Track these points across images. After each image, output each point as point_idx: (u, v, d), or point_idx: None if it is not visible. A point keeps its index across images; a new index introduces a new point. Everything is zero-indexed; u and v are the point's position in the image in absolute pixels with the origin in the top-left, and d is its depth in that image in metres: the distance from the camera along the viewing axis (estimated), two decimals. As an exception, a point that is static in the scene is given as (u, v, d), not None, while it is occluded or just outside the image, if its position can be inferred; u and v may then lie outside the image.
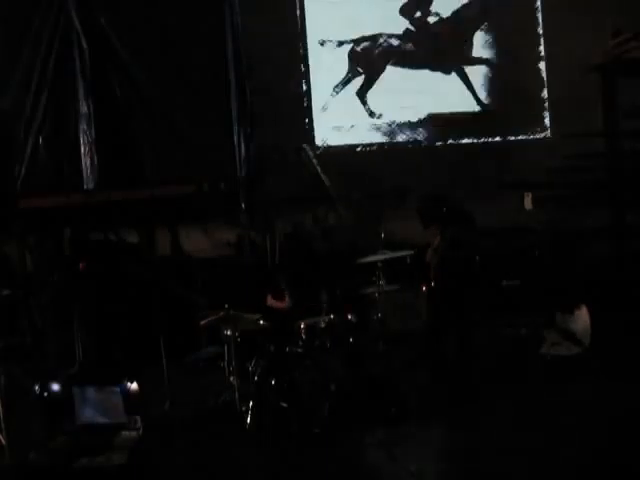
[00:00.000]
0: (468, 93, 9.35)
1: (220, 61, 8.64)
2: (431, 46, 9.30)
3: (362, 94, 9.25)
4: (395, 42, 9.25)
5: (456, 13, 9.32)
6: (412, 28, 9.27)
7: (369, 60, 9.24)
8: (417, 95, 9.27)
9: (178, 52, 8.42)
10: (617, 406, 5.65)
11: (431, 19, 9.30)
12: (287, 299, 6.55)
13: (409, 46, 9.26)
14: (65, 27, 8.44)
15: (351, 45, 9.23)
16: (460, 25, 9.32)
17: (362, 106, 9.25)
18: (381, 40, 9.24)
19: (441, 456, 5.36)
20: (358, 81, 9.29)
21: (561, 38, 9.01)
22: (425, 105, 9.30)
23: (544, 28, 9.28)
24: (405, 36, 9.25)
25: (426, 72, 9.31)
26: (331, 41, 9.19)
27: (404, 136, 9.31)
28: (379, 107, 9.27)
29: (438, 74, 9.33)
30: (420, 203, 7.17)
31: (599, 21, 8.72)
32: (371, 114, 9.24)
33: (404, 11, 9.27)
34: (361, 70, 9.26)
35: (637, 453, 4.83)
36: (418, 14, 9.28)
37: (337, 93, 9.22)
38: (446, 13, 9.34)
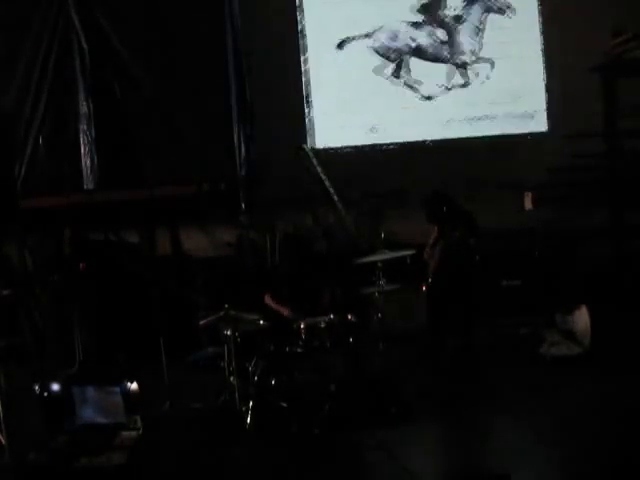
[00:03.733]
0: (470, 93, 9.34)
1: (220, 61, 8.65)
2: (445, 41, 9.28)
3: (398, 74, 9.25)
4: (413, 30, 9.24)
5: (461, 14, 9.29)
6: (425, 23, 9.25)
7: (394, 48, 9.23)
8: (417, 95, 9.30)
9: (178, 52, 8.43)
10: (617, 406, 5.65)
11: (447, 12, 9.28)
12: (288, 310, 6.53)
13: (424, 38, 9.25)
14: (65, 27, 8.46)
15: (368, 39, 9.20)
16: (465, 25, 9.30)
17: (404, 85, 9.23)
18: (402, 28, 9.23)
19: (441, 456, 5.36)
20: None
21: (561, 38, 9.00)
22: (426, 104, 9.31)
23: (544, 28, 9.27)
24: (420, 27, 9.23)
25: (430, 69, 9.31)
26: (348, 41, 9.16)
27: (405, 136, 9.31)
28: (380, 106, 9.28)
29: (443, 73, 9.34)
30: (425, 199, 7.18)
31: (599, 21, 8.72)
32: (416, 82, 9.22)
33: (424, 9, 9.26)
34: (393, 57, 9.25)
35: (637, 453, 4.83)
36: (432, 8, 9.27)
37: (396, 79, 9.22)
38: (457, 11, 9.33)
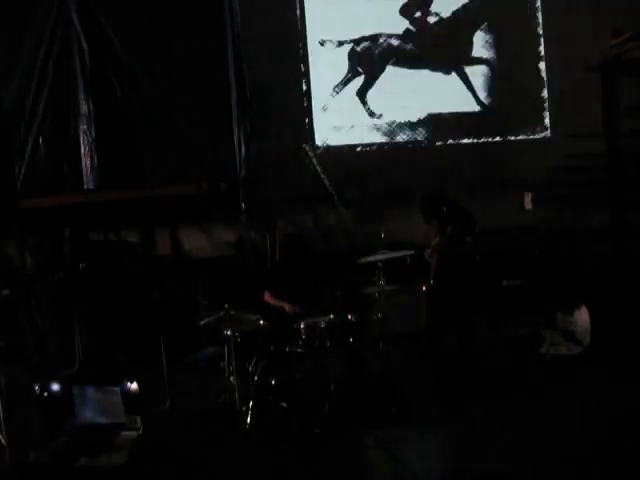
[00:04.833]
0: (468, 93, 9.34)
1: (220, 61, 8.64)
2: (431, 46, 9.29)
3: (362, 94, 9.24)
4: (395, 42, 9.24)
5: (456, 13, 9.30)
6: (412, 28, 9.26)
7: (369, 60, 9.23)
8: (417, 95, 9.29)
9: (178, 52, 8.42)
10: (617, 406, 5.65)
11: (431, 19, 9.30)
12: (289, 304, 6.54)
13: (409, 46, 9.25)
14: (65, 27, 8.44)
15: (351, 45, 9.22)
16: (460, 25, 9.31)
17: (362, 106, 9.23)
18: (381, 40, 9.22)
19: (441, 456, 5.36)
20: (358, 81, 9.26)
21: (561, 38, 9.01)
22: (425, 105, 9.30)
23: (544, 28, 9.28)
24: (405, 36, 9.24)
25: (426, 72, 9.31)
26: (331, 41, 9.17)
27: (404, 136, 9.31)
28: (379, 107, 9.27)
29: (438, 74, 9.32)
30: (422, 199, 7.17)
31: (599, 21, 8.72)
32: (371, 114, 9.22)
33: (404, 11, 9.26)
34: (361, 70, 9.25)
35: (637, 453, 4.83)
36: (418, 14, 9.27)
37: (337, 93, 9.20)
38: (446, 13, 9.32)
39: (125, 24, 8.45)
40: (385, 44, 9.23)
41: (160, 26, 8.43)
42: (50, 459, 5.14)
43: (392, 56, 9.23)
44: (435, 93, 9.27)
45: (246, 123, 8.74)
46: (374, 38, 9.23)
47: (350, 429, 5.55)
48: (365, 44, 9.21)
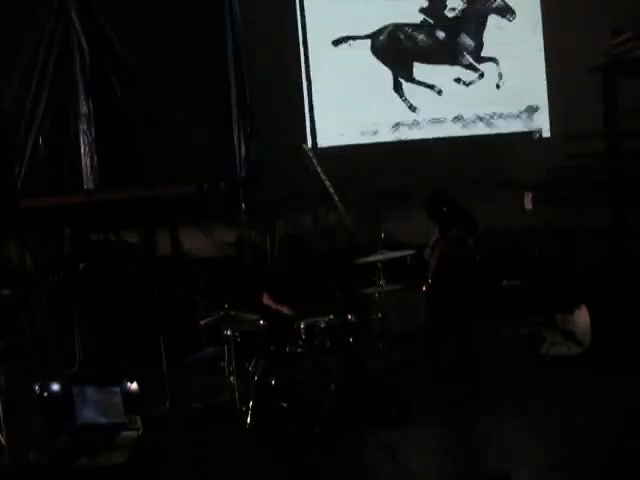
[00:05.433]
0: (468, 93, 9.34)
1: (220, 61, 8.64)
2: (445, 41, 9.30)
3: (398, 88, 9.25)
4: (413, 33, 9.25)
5: (463, 12, 9.31)
6: (430, 20, 9.26)
7: (394, 52, 9.24)
8: (417, 94, 9.30)
9: (178, 52, 8.43)
10: (617, 406, 5.65)
11: (448, 13, 9.29)
12: (287, 307, 6.53)
13: (424, 39, 9.26)
14: (65, 27, 8.45)
15: (370, 40, 9.21)
16: (468, 22, 9.32)
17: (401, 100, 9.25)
18: (401, 31, 9.24)
19: (441, 456, 5.36)
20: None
21: (561, 38, 9.00)
22: (425, 104, 9.31)
23: (544, 28, 9.27)
24: (422, 28, 9.25)
25: (427, 72, 9.32)
26: (347, 39, 9.17)
27: (405, 136, 9.31)
28: (379, 107, 9.28)
29: (439, 73, 9.34)
30: (425, 198, 7.17)
31: (599, 21, 8.72)
32: (411, 108, 9.23)
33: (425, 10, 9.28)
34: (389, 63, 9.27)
35: (637, 453, 4.82)
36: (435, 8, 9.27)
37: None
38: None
39: (125, 24, 8.46)
40: (405, 34, 9.23)
41: (160, 26, 8.44)
42: (50, 459, 5.14)
43: (413, 48, 9.25)
44: (436, 93, 9.30)
45: (246, 123, 8.75)
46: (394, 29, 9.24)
47: (350, 429, 5.55)
48: (385, 35, 9.21)
